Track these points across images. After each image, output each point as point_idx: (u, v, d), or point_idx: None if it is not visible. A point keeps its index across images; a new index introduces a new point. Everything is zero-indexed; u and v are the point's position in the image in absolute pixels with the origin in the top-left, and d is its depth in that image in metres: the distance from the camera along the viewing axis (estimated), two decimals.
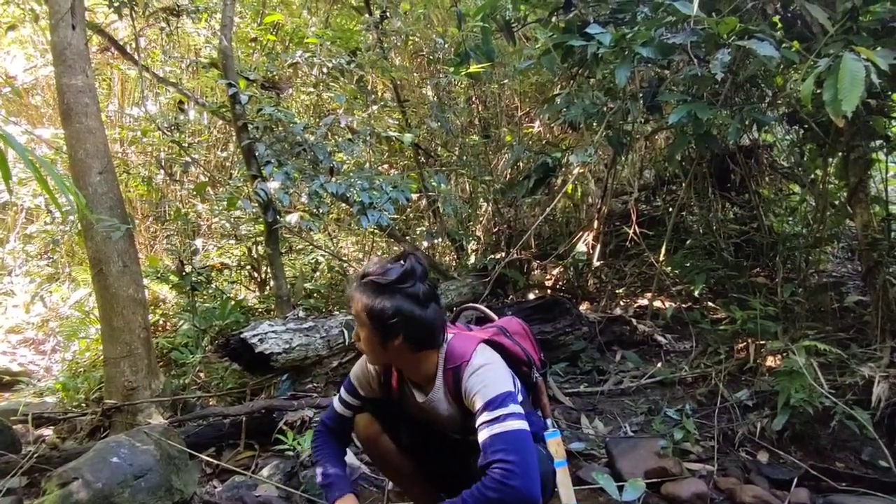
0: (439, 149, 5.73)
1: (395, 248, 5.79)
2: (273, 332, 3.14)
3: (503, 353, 1.81)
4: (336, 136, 4.33)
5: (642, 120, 4.21)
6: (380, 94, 5.72)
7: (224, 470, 2.73)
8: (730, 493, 2.49)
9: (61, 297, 5.57)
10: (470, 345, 1.73)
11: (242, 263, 5.12)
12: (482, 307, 2.18)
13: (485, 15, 3.93)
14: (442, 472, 1.90)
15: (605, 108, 3.63)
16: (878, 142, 3.27)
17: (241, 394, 3.51)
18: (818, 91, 2.37)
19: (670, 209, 4.75)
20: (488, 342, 1.78)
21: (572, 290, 5.00)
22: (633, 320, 4.24)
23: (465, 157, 5.42)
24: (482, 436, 1.54)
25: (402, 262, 1.67)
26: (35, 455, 2.64)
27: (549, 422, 1.91)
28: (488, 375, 1.62)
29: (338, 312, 4.00)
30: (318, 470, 1.87)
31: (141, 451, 2.27)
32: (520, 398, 1.69)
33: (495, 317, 2.10)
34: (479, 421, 1.57)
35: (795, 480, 2.54)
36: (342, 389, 1.93)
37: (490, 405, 1.56)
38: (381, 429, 1.91)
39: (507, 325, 1.98)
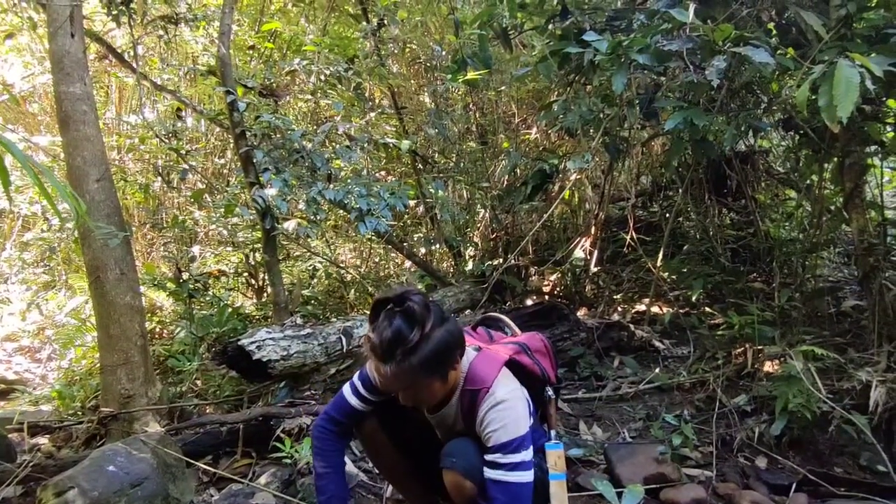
0: (437, 155, 5.74)
1: (394, 254, 5.79)
2: (271, 339, 3.13)
3: (521, 373, 1.82)
4: (334, 143, 4.34)
5: (639, 126, 4.23)
6: (377, 101, 5.73)
7: (221, 478, 2.71)
8: (729, 498, 2.48)
9: (58, 305, 5.54)
10: (492, 369, 1.72)
11: (240, 270, 5.11)
12: (507, 319, 2.17)
13: (482, 22, 3.95)
14: (437, 475, 1.90)
15: (601, 115, 3.64)
16: (873, 147, 3.28)
17: (239, 401, 3.50)
18: (813, 97, 2.38)
19: (667, 215, 4.76)
20: (509, 363, 1.79)
21: (570, 295, 5.00)
22: (631, 326, 4.24)
23: (462, 164, 5.43)
24: (489, 474, 1.60)
25: (401, 307, 1.57)
26: (30, 464, 2.62)
27: (553, 433, 1.92)
28: (508, 415, 1.63)
29: (335, 319, 3.99)
30: (319, 482, 1.85)
31: (137, 459, 2.26)
32: (530, 421, 1.71)
33: (518, 330, 2.10)
34: (490, 458, 1.61)
35: (794, 485, 2.53)
36: (358, 383, 1.88)
37: (504, 448, 1.60)
38: (378, 426, 1.92)
39: (529, 342, 1.99)
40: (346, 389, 1.90)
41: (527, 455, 1.61)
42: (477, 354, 1.79)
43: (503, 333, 2.12)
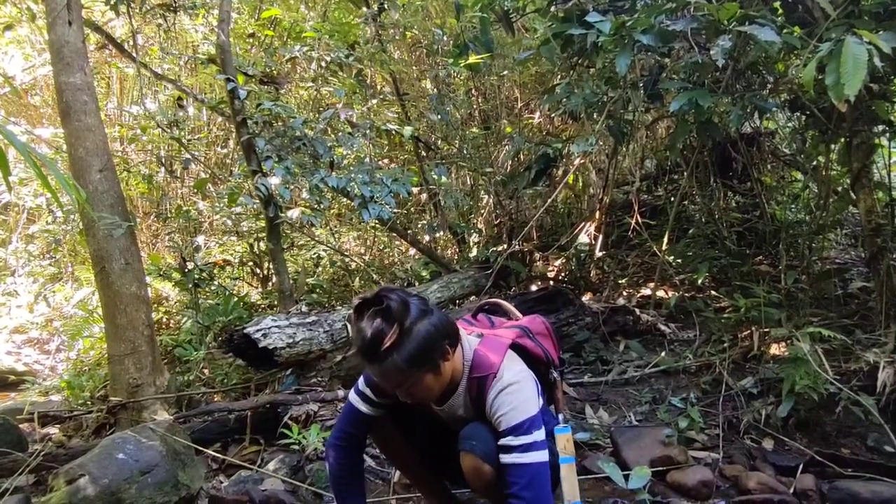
0: (439, 142, 5.71)
1: (398, 242, 5.79)
2: (276, 326, 3.14)
3: (526, 357, 1.82)
4: (336, 131, 4.31)
5: (643, 109, 4.18)
6: (379, 87, 5.69)
7: (230, 465, 2.74)
8: (735, 480, 2.49)
9: (64, 297, 5.58)
10: (497, 354, 1.72)
11: (244, 260, 5.12)
12: (507, 304, 2.16)
13: (483, 5, 3.91)
14: (447, 462, 1.90)
15: (605, 98, 3.61)
16: (881, 127, 3.24)
17: (246, 389, 3.52)
18: (820, 76, 2.35)
19: (672, 198, 4.74)
20: (513, 346, 1.79)
21: (575, 280, 4.99)
22: (637, 310, 4.23)
23: (465, 150, 5.40)
24: (504, 458, 1.60)
25: (379, 307, 1.56)
26: (41, 453, 2.65)
27: (560, 416, 1.91)
28: (518, 397, 1.63)
29: (340, 307, 4.00)
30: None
31: (147, 447, 2.28)
32: (540, 403, 1.72)
33: (519, 314, 2.10)
34: (502, 441, 1.61)
35: (801, 467, 2.53)
36: (364, 388, 1.85)
37: (516, 430, 1.60)
38: (387, 416, 1.90)
39: (531, 324, 1.98)
40: (353, 397, 1.87)
41: (539, 435, 1.61)
42: (480, 341, 1.78)
43: (504, 318, 2.11)
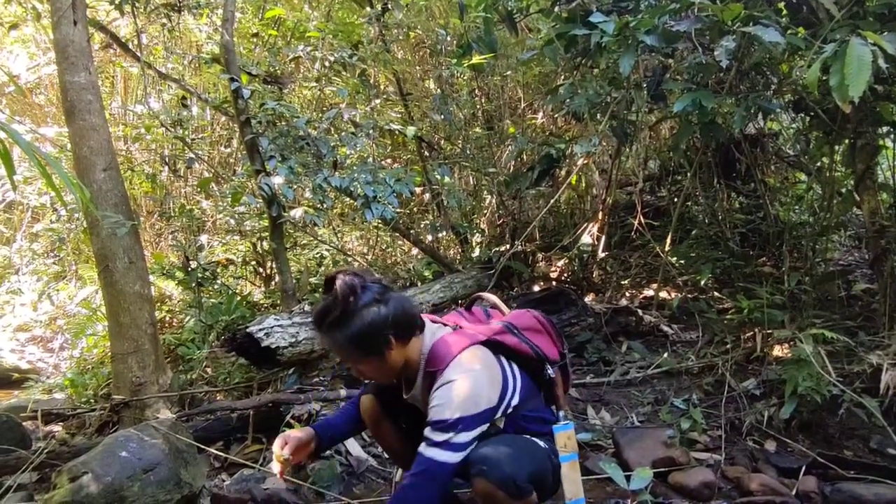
0: (442, 142, 5.71)
1: (400, 242, 5.79)
2: (279, 326, 3.14)
3: (507, 353, 1.79)
4: (339, 130, 4.32)
5: (646, 109, 4.18)
6: (382, 87, 5.70)
7: (232, 463, 2.75)
8: (737, 481, 2.48)
9: (68, 295, 5.60)
10: (453, 349, 1.69)
11: (247, 259, 5.13)
12: (494, 297, 2.14)
13: (487, 6, 3.91)
14: None
15: (608, 98, 3.60)
16: (886, 128, 3.23)
17: (248, 388, 3.53)
18: (824, 77, 2.34)
19: (675, 199, 4.72)
20: (487, 343, 1.75)
21: (577, 281, 4.98)
22: (639, 311, 4.23)
23: (468, 150, 5.40)
24: (419, 448, 1.62)
25: (337, 284, 1.66)
26: (45, 451, 2.66)
27: (561, 414, 1.88)
28: (449, 395, 1.61)
29: None
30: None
31: (149, 445, 2.29)
32: (517, 401, 1.74)
33: (507, 309, 2.07)
34: (424, 432, 1.63)
35: (803, 469, 2.52)
36: None
37: (435, 425, 1.60)
38: (382, 412, 1.95)
39: (517, 320, 1.93)
40: None
41: (460, 438, 1.57)
42: (443, 335, 1.76)
43: (501, 313, 2.09)
